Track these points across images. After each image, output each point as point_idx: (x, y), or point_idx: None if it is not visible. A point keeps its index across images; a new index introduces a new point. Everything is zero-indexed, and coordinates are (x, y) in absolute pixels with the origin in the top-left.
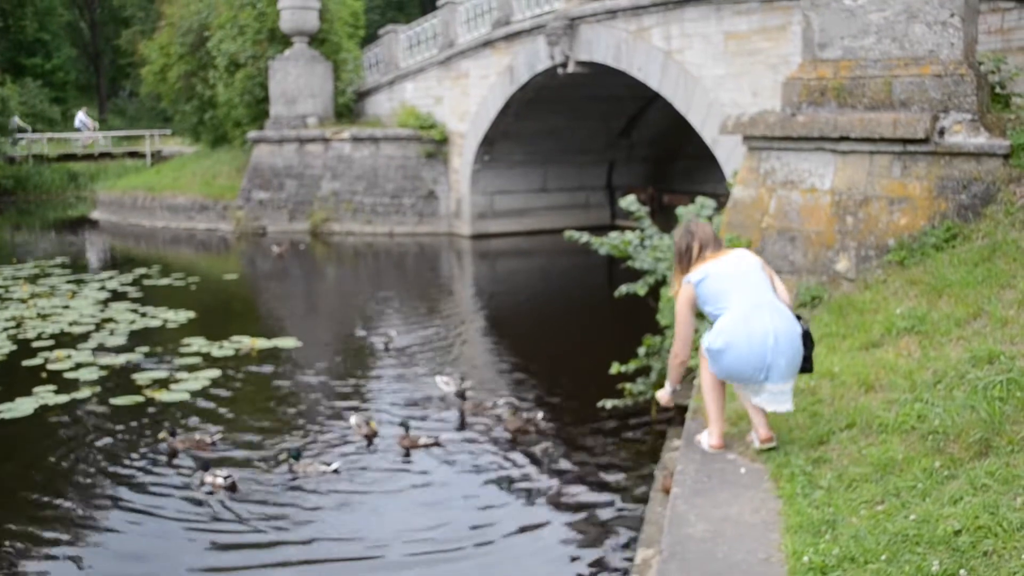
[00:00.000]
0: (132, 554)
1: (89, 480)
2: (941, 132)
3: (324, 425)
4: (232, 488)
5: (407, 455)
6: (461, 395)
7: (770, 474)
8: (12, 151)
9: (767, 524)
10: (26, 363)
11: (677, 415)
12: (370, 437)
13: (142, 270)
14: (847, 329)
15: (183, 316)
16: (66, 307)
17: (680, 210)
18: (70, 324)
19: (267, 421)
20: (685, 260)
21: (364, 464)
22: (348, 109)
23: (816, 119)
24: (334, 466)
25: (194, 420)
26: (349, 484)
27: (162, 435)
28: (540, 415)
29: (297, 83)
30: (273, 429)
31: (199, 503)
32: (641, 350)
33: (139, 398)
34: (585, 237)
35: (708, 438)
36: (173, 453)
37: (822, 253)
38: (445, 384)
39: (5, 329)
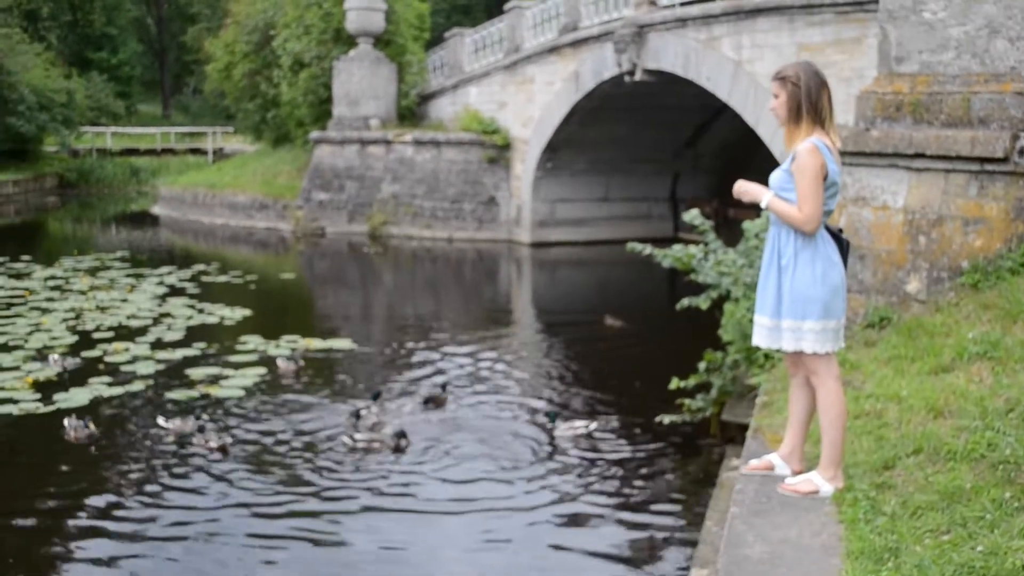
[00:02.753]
0: (180, 551)
1: (135, 469)
2: (1021, 152)
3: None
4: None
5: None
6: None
7: (832, 498)
8: (76, 144)
9: (827, 548)
10: (85, 354)
11: (737, 433)
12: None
13: (200, 266)
14: (916, 352)
15: (239, 314)
16: (125, 300)
17: (747, 224)
18: (128, 317)
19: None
20: (815, 111)
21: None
22: (411, 112)
23: (891, 135)
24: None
25: (241, 413)
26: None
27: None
28: (593, 425)
29: (361, 84)
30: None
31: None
32: (702, 365)
33: (192, 392)
34: (648, 249)
35: (787, 460)
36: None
37: (892, 273)
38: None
39: (65, 320)
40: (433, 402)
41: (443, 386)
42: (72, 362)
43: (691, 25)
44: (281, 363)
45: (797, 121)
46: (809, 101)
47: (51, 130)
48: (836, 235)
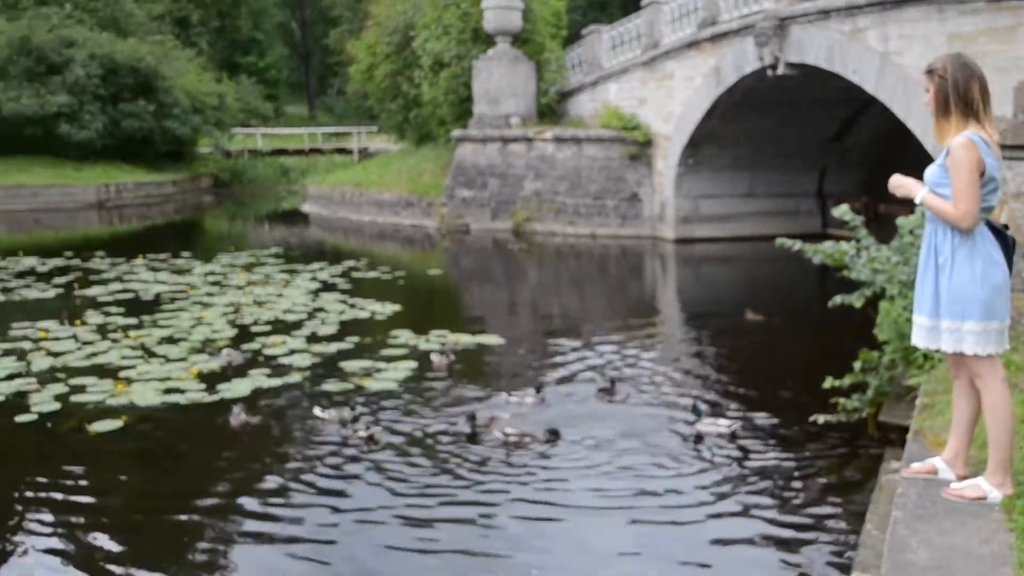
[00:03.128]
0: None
1: (292, 456)
2: None
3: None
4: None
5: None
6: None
7: (1000, 504)
8: (228, 145)
9: (997, 557)
10: (244, 347)
11: (896, 435)
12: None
13: (350, 263)
14: None
15: (389, 309)
16: (280, 296)
17: (900, 220)
18: (284, 312)
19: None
20: (963, 104)
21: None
22: (550, 109)
23: None
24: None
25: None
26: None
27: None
28: (737, 424)
29: (500, 83)
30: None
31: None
32: (857, 364)
33: (347, 385)
34: (798, 245)
35: (951, 464)
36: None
37: None
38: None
39: (224, 314)
40: (607, 392)
41: (612, 380)
42: (239, 356)
43: (834, 17)
44: (435, 357)
45: (946, 115)
46: (957, 93)
47: (205, 132)
48: (1001, 232)
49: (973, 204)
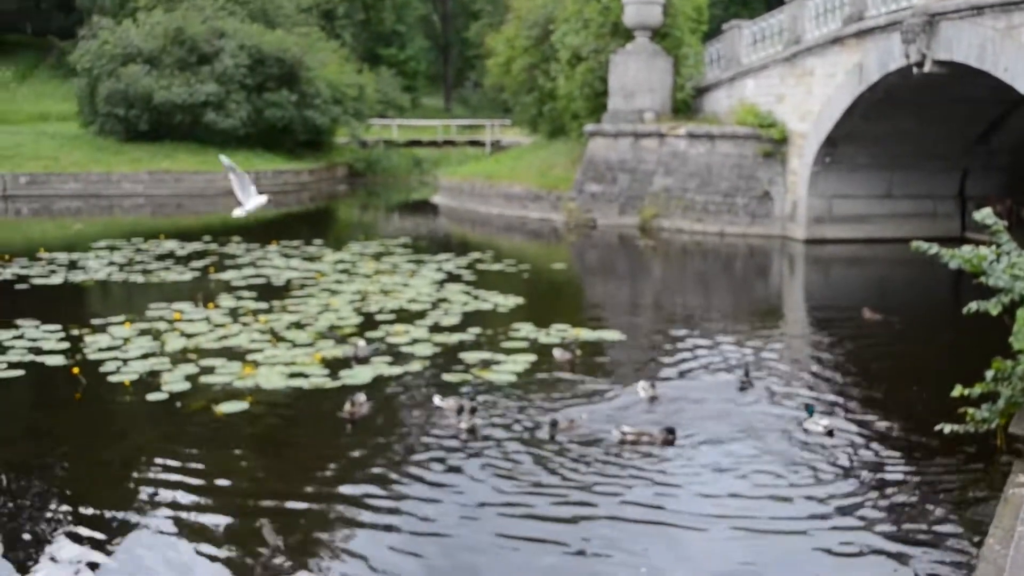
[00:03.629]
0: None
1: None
2: None
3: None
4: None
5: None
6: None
7: None
8: (364, 136)
9: None
10: (369, 335)
11: None
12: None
13: (476, 255)
14: None
15: (512, 302)
16: (406, 285)
17: None
18: (409, 301)
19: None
20: None
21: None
22: (686, 105)
23: None
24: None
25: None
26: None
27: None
28: (840, 423)
29: (636, 77)
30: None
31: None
32: (989, 374)
33: (466, 375)
34: (934, 248)
35: None
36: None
37: None
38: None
39: (351, 302)
40: (743, 387)
41: (747, 371)
42: (367, 349)
43: (988, 12)
44: (557, 353)
45: None
46: None
47: (343, 122)
48: None
49: None
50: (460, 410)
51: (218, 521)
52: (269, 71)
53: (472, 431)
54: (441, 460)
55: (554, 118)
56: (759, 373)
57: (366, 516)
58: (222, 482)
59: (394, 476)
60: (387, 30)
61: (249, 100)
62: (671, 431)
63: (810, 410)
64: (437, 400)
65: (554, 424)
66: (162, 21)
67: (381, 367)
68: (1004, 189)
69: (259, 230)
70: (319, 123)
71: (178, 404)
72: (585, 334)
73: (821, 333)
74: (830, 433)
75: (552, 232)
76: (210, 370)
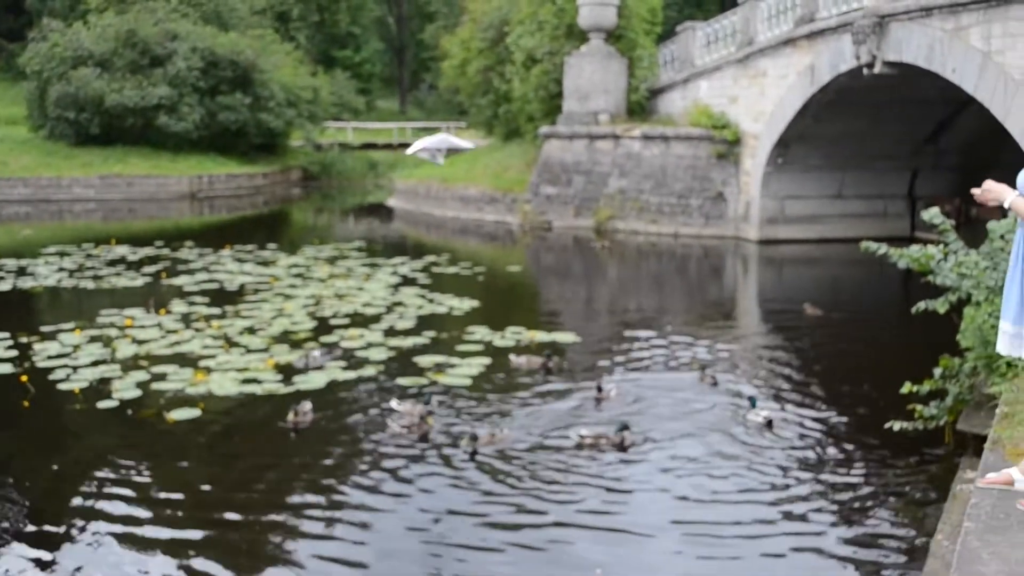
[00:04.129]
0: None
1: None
2: None
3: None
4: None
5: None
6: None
7: None
8: (319, 139)
9: None
10: (323, 339)
11: (973, 444)
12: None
13: (432, 258)
14: None
15: (467, 305)
16: (360, 289)
17: (992, 225)
18: (363, 305)
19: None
20: None
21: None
22: (640, 107)
23: None
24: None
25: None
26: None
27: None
28: (780, 413)
29: (591, 79)
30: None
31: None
32: (937, 371)
33: (421, 379)
34: (883, 248)
35: None
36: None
37: None
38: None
39: (305, 306)
40: (703, 382)
41: (703, 368)
42: (326, 356)
43: (936, 14)
44: (521, 360)
45: None
46: None
47: (297, 125)
48: None
49: None
50: (428, 414)
51: (164, 532)
52: (222, 74)
53: (425, 437)
54: (390, 469)
55: (509, 120)
56: (715, 371)
57: (310, 526)
58: (170, 491)
59: (341, 485)
60: (342, 32)
61: (202, 103)
62: (626, 427)
63: (752, 401)
64: (395, 404)
65: (474, 438)
66: (113, 23)
67: (335, 372)
68: (953, 189)
69: (212, 235)
70: (273, 126)
71: (129, 412)
72: (540, 336)
73: (775, 332)
74: (769, 424)
75: (507, 234)
76: (162, 377)
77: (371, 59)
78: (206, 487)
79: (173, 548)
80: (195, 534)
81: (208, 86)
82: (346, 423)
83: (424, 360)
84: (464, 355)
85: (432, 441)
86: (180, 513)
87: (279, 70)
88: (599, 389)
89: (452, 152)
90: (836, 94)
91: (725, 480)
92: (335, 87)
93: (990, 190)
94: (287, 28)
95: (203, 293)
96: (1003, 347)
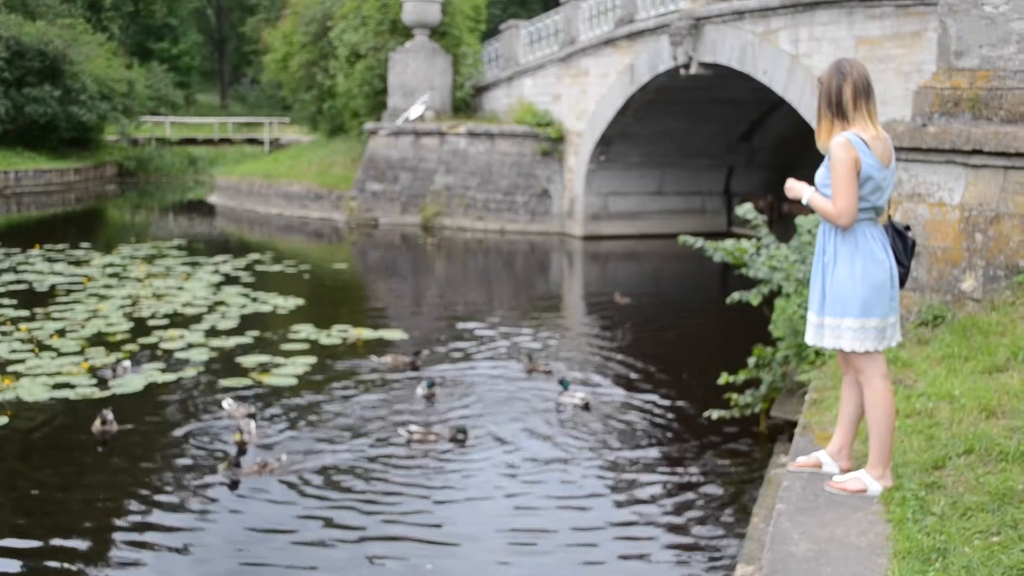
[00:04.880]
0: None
1: (190, 453)
2: None
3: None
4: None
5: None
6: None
7: (880, 497)
8: (135, 134)
9: (874, 548)
10: (141, 341)
11: (786, 430)
12: (240, 444)
13: (255, 256)
14: (970, 351)
15: (292, 303)
16: (180, 288)
17: (800, 220)
18: (183, 305)
19: (363, 405)
20: (835, 108)
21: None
22: (465, 104)
23: (948, 130)
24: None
25: (292, 402)
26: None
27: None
28: (590, 397)
29: (416, 76)
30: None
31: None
32: (751, 360)
33: (245, 380)
34: (699, 243)
35: (835, 458)
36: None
37: (947, 271)
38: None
39: (121, 307)
40: (531, 370)
41: (530, 357)
42: (133, 369)
43: (748, 18)
44: (376, 359)
45: (820, 119)
46: (829, 98)
47: (112, 119)
48: (902, 233)
49: (849, 202)
50: (252, 415)
51: None
52: (29, 64)
53: (243, 448)
54: (208, 480)
55: (334, 116)
56: (542, 360)
57: (136, 528)
58: None
59: (155, 497)
60: (158, 23)
61: (8, 95)
62: (461, 430)
63: (564, 384)
64: (226, 405)
65: (236, 465)
66: None
67: (154, 374)
68: (766, 185)
69: (20, 234)
70: (85, 120)
71: None
72: (367, 333)
73: (596, 324)
74: (586, 406)
75: (333, 232)
76: None
77: (190, 52)
78: (7, 492)
79: None
80: None
81: (14, 77)
82: (161, 429)
83: (248, 360)
84: (289, 354)
85: (254, 445)
86: None
87: (91, 61)
88: (429, 386)
89: None
90: (655, 93)
91: (544, 470)
92: (152, 80)
93: (792, 187)
94: (99, 18)
95: (10, 295)
96: (809, 337)
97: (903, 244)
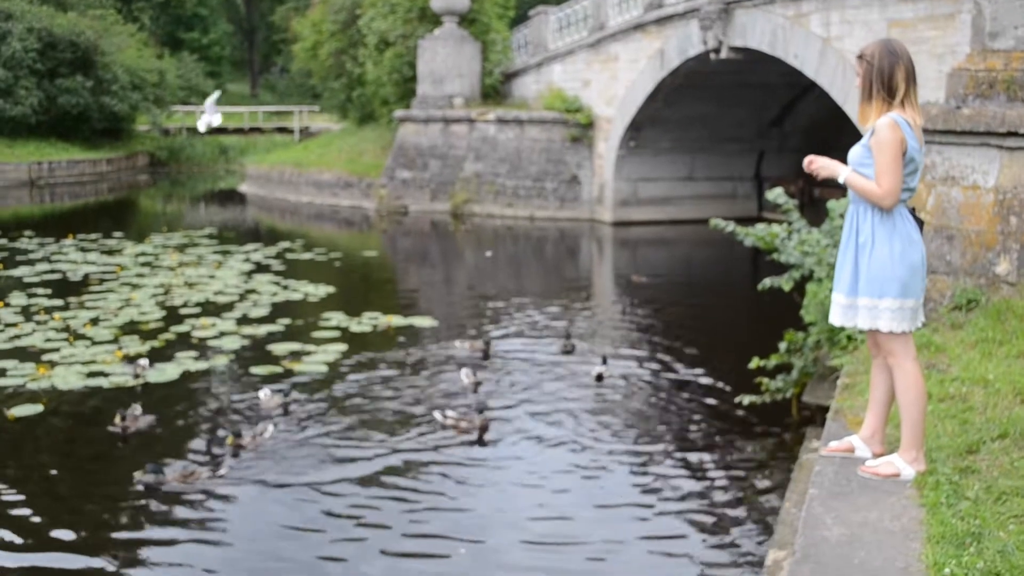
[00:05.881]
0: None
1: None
2: None
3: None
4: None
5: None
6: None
7: (913, 481)
8: (166, 123)
9: (908, 532)
10: (174, 329)
11: (818, 415)
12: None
13: (286, 244)
14: (1004, 335)
15: (323, 291)
16: (212, 277)
17: (831, 204)
18: (215, 293)
19: (395, 394)
20: (886, 90)
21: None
22: (494, 90)
23: (982, 113)
24: None
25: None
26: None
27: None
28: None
29: (445, 63)
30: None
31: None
32: (782, 346)
33: (276, 368)
34: (731, 226)
35: (867, 442)
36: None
37: (981, 254)
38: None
39: (154, 296)
40: (567, 352)
41: (568, 336)
42: (147, 366)
43: (779, 1)
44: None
45: (870, 99)
46: (881, 80)
47: (143, 109)
48: (912, 214)
49: (896, 183)
50: (287, 406)
51: (9, 527)
52: (62, 55)
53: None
54: (252, 455)
55: (363, 104)
56: (575, 342)
57: (169, 514)
58: (15, 486)
59: (178, 488)
60: (188, 13)
61: (40, 86)
62: (486, 415)
63: (604, 360)
64: (262, 395)
65: (219, 441)
66: None
67: (187, 362)
68: (797, 170)
69: (53, 223)
70: (117, 110)
71: None
72: (398, 321)
73: (626, 310)
74: (599, 377)
75: (363, 219)
76: (1, 372)
77: (220, 41)
78: (46, 481)
79: (8, 545)
80: (35, 530)
81: (46, 68)
82: (192, 420)
83: (279, 348)
84: (320, 342)
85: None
86: (20, 509)
87: (122, 52)
88: (474, 371)
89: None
90: (685, 78)
91: (579, 453)
92: (182, 70)
93: (824, 166)
94: (130, 9)
95: (44, 284)
96: (835, 318)
97: (920, 225)
